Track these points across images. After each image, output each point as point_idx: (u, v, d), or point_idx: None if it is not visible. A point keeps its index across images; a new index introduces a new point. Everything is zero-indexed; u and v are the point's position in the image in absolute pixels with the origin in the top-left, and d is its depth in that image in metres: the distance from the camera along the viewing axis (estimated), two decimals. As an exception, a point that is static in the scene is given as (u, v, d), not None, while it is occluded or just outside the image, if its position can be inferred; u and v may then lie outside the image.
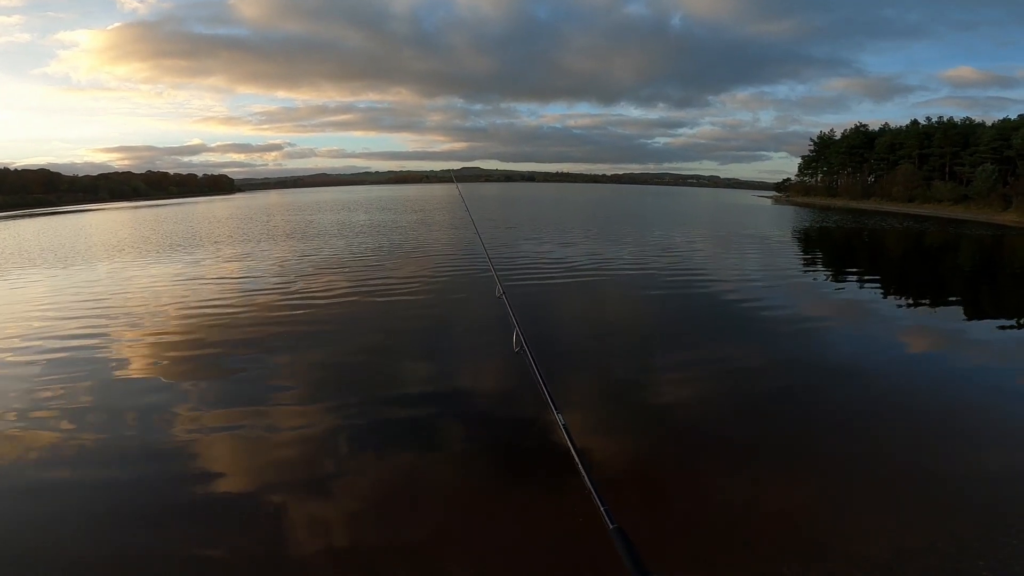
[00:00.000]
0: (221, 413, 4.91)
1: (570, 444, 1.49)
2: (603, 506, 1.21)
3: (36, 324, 8.16)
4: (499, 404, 5.09)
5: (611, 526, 1.15)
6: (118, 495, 3.70)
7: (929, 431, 4.68)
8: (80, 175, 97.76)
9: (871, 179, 66.17)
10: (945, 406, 5.22)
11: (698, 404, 5.19)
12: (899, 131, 64.27)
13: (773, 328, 7.86)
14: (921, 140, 59.32)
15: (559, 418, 1.60)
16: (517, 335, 2.07)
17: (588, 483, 1.30)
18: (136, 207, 58.11)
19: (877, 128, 68.81)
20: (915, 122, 62.43)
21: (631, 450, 4.34)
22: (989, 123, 54.32)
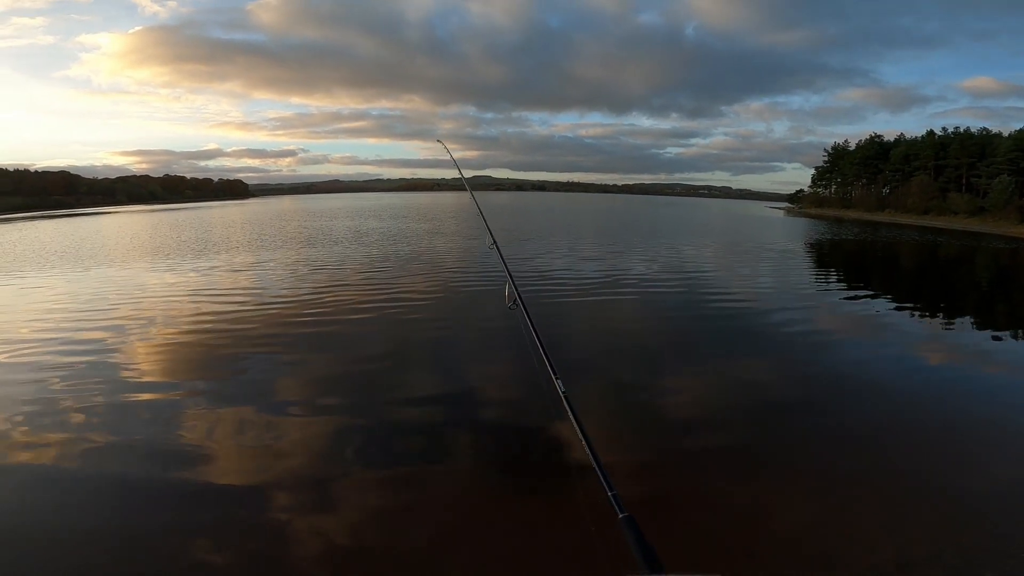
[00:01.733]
0: (230, 418, 4.95)
1: (572, 415, 1.41)
2: (611, 491, 1.16)
3: (50, 325, 8.30)
4: (506, 412, 5.11)
5: (620, 515, 1.10)
6: (125, 498, 3.74)
7: (939, 444, 4.63)
8: (99, 177, 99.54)
9: (886, 191, 65.54)
10: (956, 420, 5.16)
11: (706, 415, 5.17)
12: (914, 142, 63.65)
13: (785, 340, 7.81)
14: (937, 151, 58.67)
15: (558, 385, 1.54)
16: (510, 292, 2.01)
17: (594, 462, 1.23)
18: (152, 210, 58.97)
19: (892, 139, 68.31)
20: (931, 132, 61.80)
21: (638, 458, 4.33)
22: (1006, 133, 53.68)
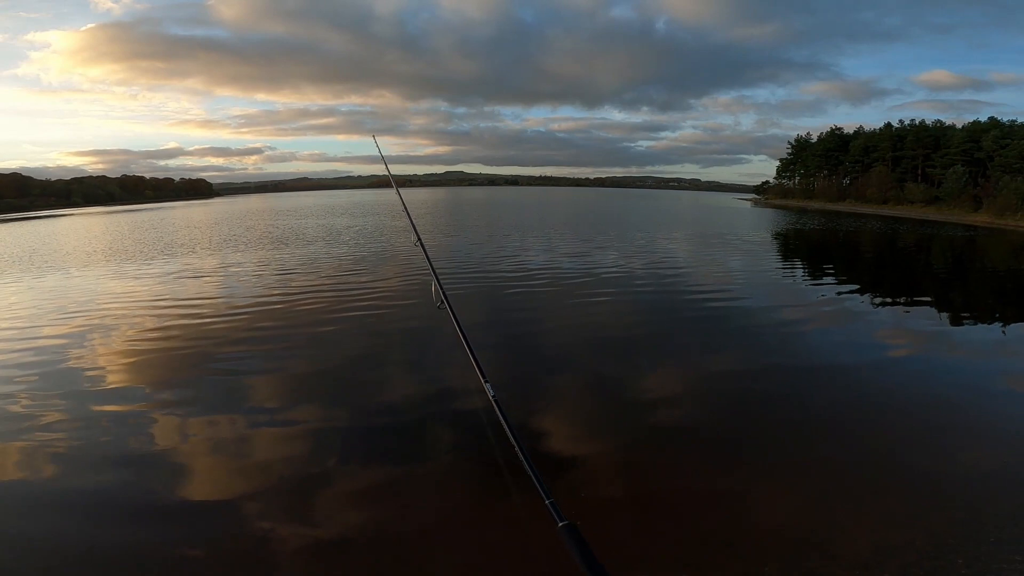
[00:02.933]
0: (200, 423, 4.81)
1: (503, 419, 1.34)
2: (548, 499, 1.10)
3: (6, 334, 7.91)
4: (485, 411, 5.04)
5: (560, 523, 1.04)
6: (93, 506, 3.61)
7: (910, 430, 4.75)
8: (53, 179, 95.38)
9: (846, 181, 67.53)
10: (925, 405, 5.30)
11: (680, 406, 5.21)
12: (873, 134, 65.72)
13: (754, 330, 7.94)
14: (894, 143, 60.76)
15: (488, 389, 1.46)
16: (443, 304, 1.93)
17: (529, 470, 1.16)
18: (111, 212, 56.86)
19: (852, 131, 70.35)
20: (888, 125, 63.94)
21: (612, 451, 4.34)
22: (959, 125, 55.88)
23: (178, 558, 3.06)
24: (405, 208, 3.32)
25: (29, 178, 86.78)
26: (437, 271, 2.04)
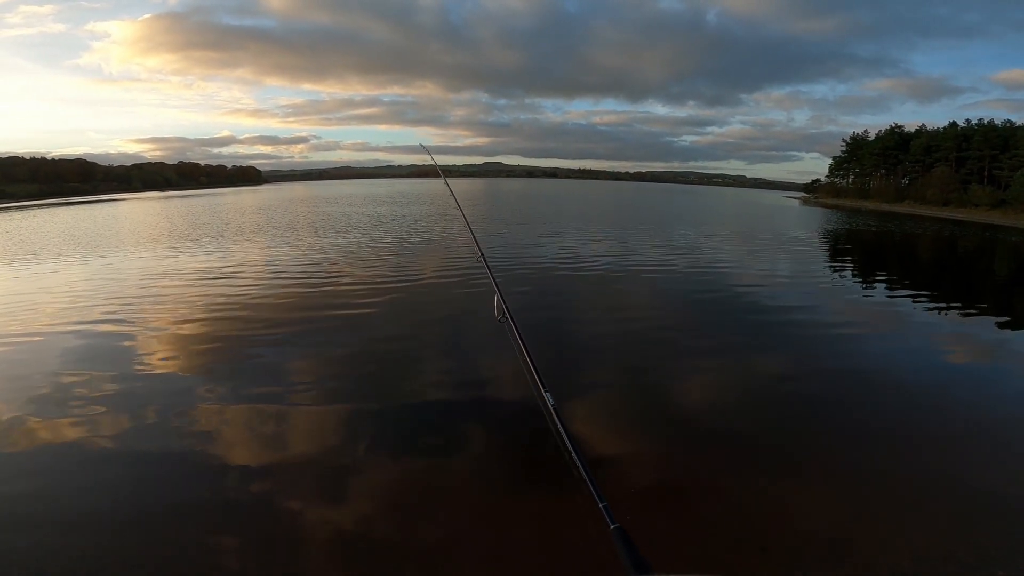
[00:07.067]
0: (239, 408, 4.98)
1: (562, 429, 1.41)
2: (602, 503, 1.14)
3: (63, 312, 8.38)
4: (516, 407, 5.03)
5: (612, 526, 1.08)
6: (138, 484, 3.78)
7: (957, 440, 4.59)
8: (115, 165, 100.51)
9: (905, 181, 64.33)
10: (975, 416, 5.10)
11: (720, 407, 5.17)
12: (936, 133, 62.25)
13: (800, 332, 7.75)
14: (959, 142, 57.39)
15: (548, 399, 1.52)
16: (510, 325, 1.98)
17: (584, 475, 1.23)
18: (168, 197, 59.51)
19: (913, 130, 66.87)
20: (954, 124, 60.42)
21: (648, 450, 4.35)
22: (1030, 126, 52.17)
23: (209, 549, 3.14)
24: (467, 223, 3.31)
25: (93, 164, 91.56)
26: (498, 285, 2.10)
